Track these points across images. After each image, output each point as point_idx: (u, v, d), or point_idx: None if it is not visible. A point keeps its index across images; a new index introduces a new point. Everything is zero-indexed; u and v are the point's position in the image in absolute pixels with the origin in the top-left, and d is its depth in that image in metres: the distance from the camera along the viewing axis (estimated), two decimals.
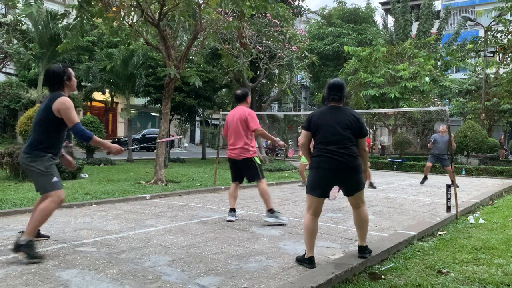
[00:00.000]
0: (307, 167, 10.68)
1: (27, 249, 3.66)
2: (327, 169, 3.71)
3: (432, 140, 11.45)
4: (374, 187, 10.17)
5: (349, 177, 3.74)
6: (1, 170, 9.46)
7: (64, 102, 3.82)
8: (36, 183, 3.96)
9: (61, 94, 3.92)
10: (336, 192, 4.12)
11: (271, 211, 5.58)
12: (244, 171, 5.73)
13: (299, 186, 10.70)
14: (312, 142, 3.92)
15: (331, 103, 3.87)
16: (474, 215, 6.88)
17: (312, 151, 3.92)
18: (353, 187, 3.81)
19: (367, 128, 3.88)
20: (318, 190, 3.75)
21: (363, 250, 3.91)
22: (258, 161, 5.70)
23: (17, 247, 3.67)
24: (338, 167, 3.68)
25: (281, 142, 6.22)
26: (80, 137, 3.94)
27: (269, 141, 32.15)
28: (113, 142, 29.60)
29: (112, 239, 4.54)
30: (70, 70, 4.07)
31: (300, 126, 39.79)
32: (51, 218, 5.54)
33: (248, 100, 5.86)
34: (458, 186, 11.56)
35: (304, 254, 3.80)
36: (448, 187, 6.89)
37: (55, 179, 3.89)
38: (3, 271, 3.42)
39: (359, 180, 3.80)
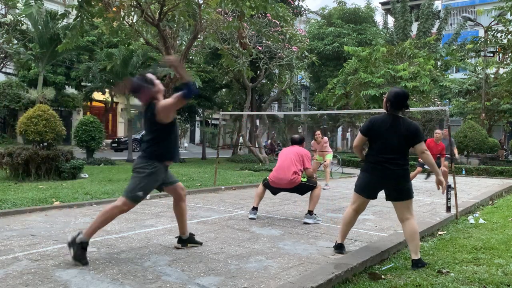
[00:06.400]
0: (320, 167, 10.73)
1: None
2: (377, 176, 4.01)
3: None
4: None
5: (396, 184, 3.98)
6: (1, 170, 9.45)
7: None
8: None
9: None
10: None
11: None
12: None
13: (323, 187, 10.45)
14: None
15: (391, 111, 4.03)
16: (474, 215, 6.87)
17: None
18: (399, 194, 4.00)
19: (423, 134, 4.27)
20: (366, 192, 4.09)
21: (416, 263, 3.87)
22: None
23: None
24: (386, 174, 3.96)
25: None
26: None
27: (268, 141, 32.03)
28: (113, 142, 29.31)
29: (112, 239, 4.54)
30: None
31: (300, 126, 39.83)
32: (51, 218, 5.56)
33: None
34: None
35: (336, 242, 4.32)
36: (448, 187, 6.89)
37: None
38: (3, 271, 3.42)
39: (406, 188, 3.98)
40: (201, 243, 4.38)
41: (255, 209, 6.00)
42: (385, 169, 3.93)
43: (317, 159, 10.78)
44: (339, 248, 4.24)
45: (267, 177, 6.09)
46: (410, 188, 4.00)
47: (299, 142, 6.27)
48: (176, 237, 4.35)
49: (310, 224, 5.72)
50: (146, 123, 3.92)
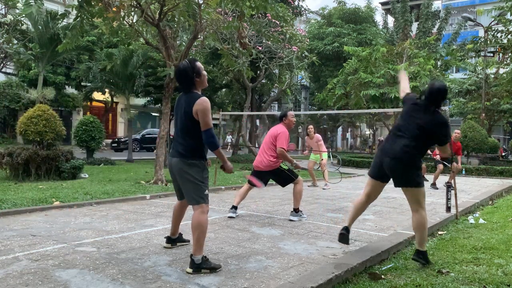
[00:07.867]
0: (316, 166, 10.73)
1: None
2: (380, 150, 4.10)
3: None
4: (436, 188, 10.55)
5: (393, 165, 3.88)
6: (1, 170, 9.45)
7: None
8: None
9: None
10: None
11: None
12: None
13: (308, 186, 10.52)
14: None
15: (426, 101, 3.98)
16: (474, 215, 6.88)
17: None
18: (399, 180, 3.93)
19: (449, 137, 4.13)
20: (371, 169, 4.12)
21: (418, 254, 3.92)
22: None
23: None
24: (387, 149, 3.95)
25: None
26: None
27: None
28: (113, 142, 29.27)
29: (112, 239, 4.54)
30: None
31: (300, 126, 39.78)
32: (51, 218, 5.56)
33: None
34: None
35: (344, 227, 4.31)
36: (448, 187, 6.89)
37: None
38: (3, 271, 3.42)
39: (408, 174, 3.86)
40: (188, 241, 4.41)
41: (234, 207, 6.08)
42: (389, 143, 3.96)
43: (311, 158, 10.74)
44: (345, 230, 4.27)
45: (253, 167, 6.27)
46: (412, 175, 3.85)
47: (279, 119, 6.34)
48: (165, 237, 4.39)
49: (295, 221, 5.85)
50: None
